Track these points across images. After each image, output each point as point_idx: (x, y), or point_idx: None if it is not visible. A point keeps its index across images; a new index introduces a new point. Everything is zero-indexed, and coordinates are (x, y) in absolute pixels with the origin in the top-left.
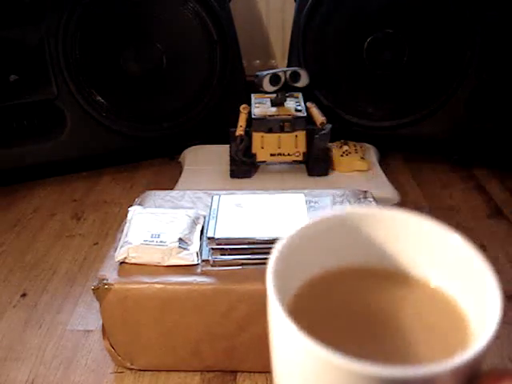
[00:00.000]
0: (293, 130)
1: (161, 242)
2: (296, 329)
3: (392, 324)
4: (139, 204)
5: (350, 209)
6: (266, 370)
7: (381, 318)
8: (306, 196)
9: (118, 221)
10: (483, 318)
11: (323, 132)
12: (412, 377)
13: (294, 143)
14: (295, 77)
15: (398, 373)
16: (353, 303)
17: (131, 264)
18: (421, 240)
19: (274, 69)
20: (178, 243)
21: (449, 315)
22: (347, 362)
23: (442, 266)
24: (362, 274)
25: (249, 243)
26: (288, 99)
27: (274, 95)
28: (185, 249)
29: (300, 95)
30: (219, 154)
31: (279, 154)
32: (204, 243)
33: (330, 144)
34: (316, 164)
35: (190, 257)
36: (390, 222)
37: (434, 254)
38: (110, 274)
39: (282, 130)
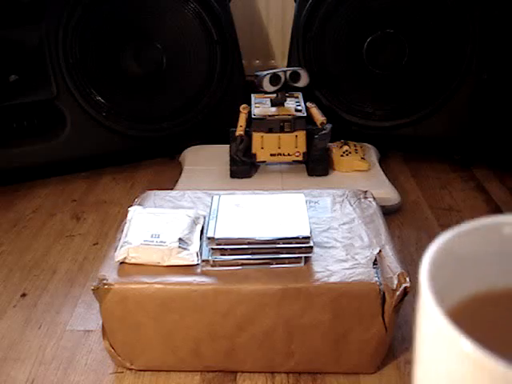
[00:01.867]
0: (293, 130)
1: (161, 242)
2: (461, 335)
3: None
4: (139, 204)
5: None
6: (265, 370)
7: None
8: (306, 196)
9: (118, 221)
10: None
11: (323, 132)
12: None
13: (294, 143)
14: (295, 77)
15: None
16: None
17: (131, 264)
18: None
19: (274, 69)
20: (177, 243)
21: None
22: None
23: None
24: None
25: (249, 243)
26: (288, 99)
27: (274, 95)
28: (185, 249)
29: (300, 95)
30: (219, 153)
31: (279, 154)
32: (204, 243)
33: (329, 144)
34: (316, 164)
35: (189, 257)
36: None
37: None
38: (110, 273)
39: (282, 130)
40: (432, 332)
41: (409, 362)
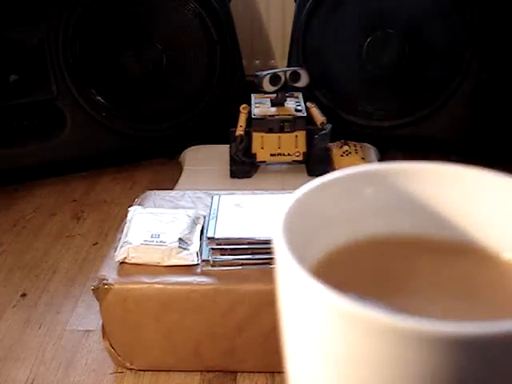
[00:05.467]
0: (293, 130)
1: (161, 242)
2: (324, 288)
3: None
4: (139, 204)
5: (381, 165)
6: (266, 370)
7: (425, 283)
8: None
9: (118, 221)
10: None
11: (323, 132)
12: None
13: (294, 143)
14: (295, 77)
15: (480, 329)
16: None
17: (131, 264)
18: (480, 198)
19: (274, 69)
20: (178, 243)
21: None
22: (404, 322)
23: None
24: (396, 244)
25: (249, 243)
26: (288, 99)
27: (274, 95)
28: (185, 249)
29: (300, 95)
30: (219, 153)
31: (279, 154)
32: (204, 243)
33: (330, 144)
34: (316, 164)
35: (189, 257)
36: (434, 176)
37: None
38: (110, 274)
39: (281, 130)
40: (294, 292)
41: None
